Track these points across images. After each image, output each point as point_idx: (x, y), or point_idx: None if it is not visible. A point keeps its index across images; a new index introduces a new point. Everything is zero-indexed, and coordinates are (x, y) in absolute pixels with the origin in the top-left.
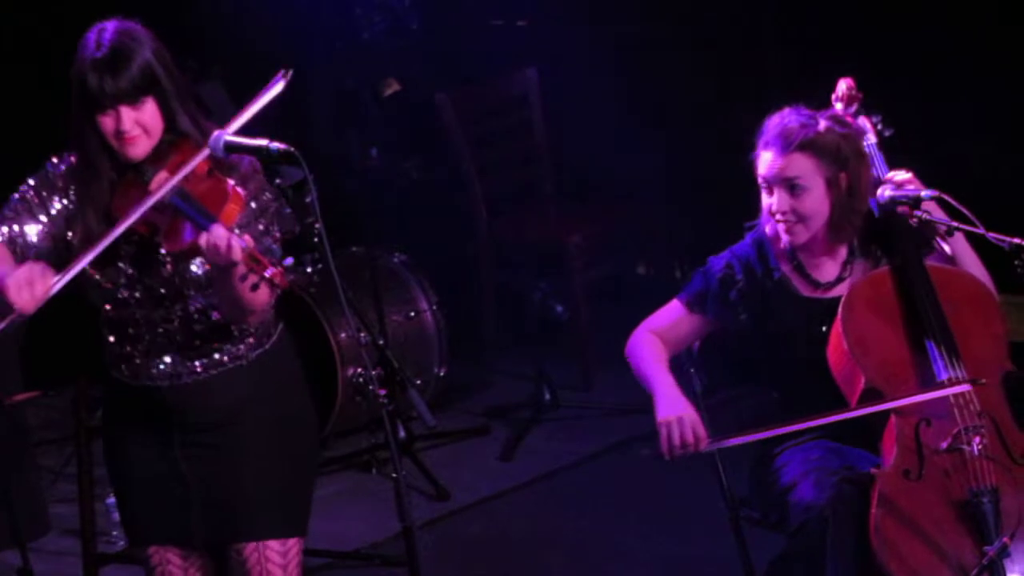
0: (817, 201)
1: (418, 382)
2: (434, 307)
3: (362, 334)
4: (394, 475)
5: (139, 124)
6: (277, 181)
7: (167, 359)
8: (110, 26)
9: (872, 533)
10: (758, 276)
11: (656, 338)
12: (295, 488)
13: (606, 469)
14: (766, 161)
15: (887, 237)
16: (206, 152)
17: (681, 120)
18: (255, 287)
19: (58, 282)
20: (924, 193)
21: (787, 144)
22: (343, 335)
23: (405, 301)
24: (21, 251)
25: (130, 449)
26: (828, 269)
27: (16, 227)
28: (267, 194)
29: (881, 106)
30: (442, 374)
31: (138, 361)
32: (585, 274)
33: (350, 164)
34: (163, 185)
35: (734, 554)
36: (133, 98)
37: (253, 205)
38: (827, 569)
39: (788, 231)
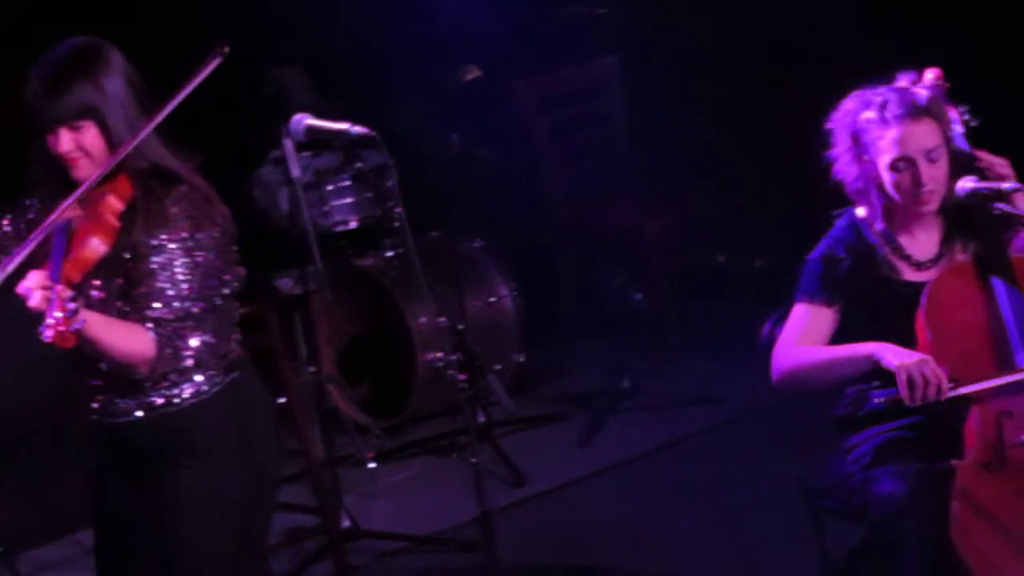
0: (946, 166)
1: (497, 368)
2: (514, 293)
3: (441, 319)
4: (472, 460)
5: (80, 147)
6: (358, 165)
7: (105, 395)
8: (65, 47)
9: (951, 525)
10: (861, 253)
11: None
12: (192, 562)
13: (684, 458)
14: (898, 137)
15: (970, 226)
16: (98, 176)
17: (764, 108)
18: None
19: None
20: (1006, 186)
21: (917, 112)
22: (422, 320)
23: (485, 287)
24: None
25: (94, 483)
26: (926, 247)
27: None
28: (200, 240)
29: (966, 96)
30: (521, 360)
31: (86, 392)
32: (664, 262)
33: (430, 149)
34: (58, 213)
35: (812, 544)
36: (69, 122)
37: (172, 246)
38: (905, 560)
39: (930, 200)
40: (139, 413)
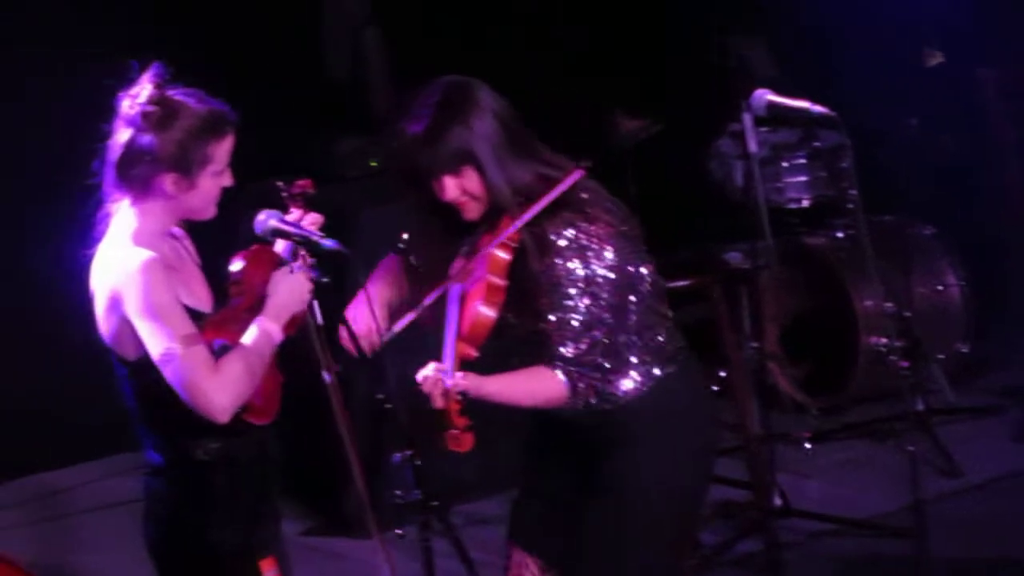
0: None
1: (939, 356)
2: (962, 283)
3: (888, 304)
4: (908, 447)
5: (465, 191)
6: (815, 144)
7: None
8: (432, 92)
9: None
10: None
11: None
12: (615, 548)
13: None
14: None
15: None
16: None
17: None
18: None
19: (385, 336)
20: None
21: None
22: (868, 303)
23: (933, 274)
24: None
25: (529, 451)
26: None
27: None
28: (593, 267)
29: None
30: (964, 350)
31: None
32: None
33: (888, 133)
34: (459, 270)
35: None
36: (450, 170)
37: (566, 280)
38: None
39: None
40: (572, 411)
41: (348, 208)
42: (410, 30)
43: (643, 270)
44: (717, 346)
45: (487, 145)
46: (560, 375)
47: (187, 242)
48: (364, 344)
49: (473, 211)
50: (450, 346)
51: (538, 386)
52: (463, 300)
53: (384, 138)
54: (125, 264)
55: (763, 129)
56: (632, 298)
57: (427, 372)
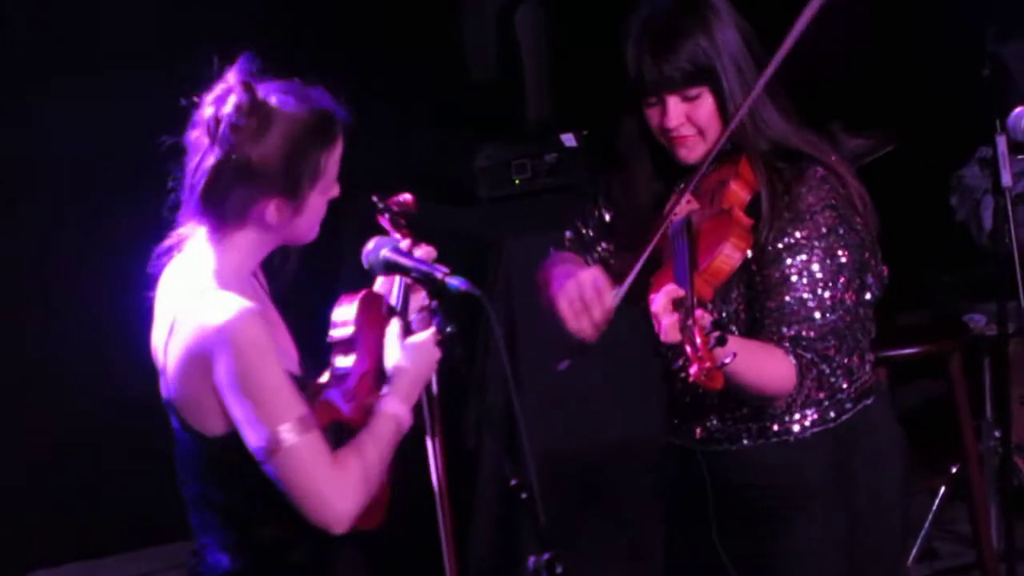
0: None
1: None
2: None
3: None
4: None
5: (691, 121)
6: None
7: (711, 420)
8: None
9: None
10: None
11: None
12: None
13: None
14: None
15: None
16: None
17: None
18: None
19: (616, 296)
20: None
21: None
22: None
23: None
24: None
25: (668, 516)
26: None
27: (580, 223)
28: (843, 234)
29: None
30: None
31: (678, 418)
32: None
33: None
34: (675, 205)
35: None
36: (680, 88)
37: (811, 245)
38: None
39: None
40: (746, 442)
41: (486, 236)
42: (574, 8)
43: (881, 270)
44: (950, 434)
45: (729, 62)
46: (790, 358)
47: (258, 271)
48: (583, 323)
49: (694, 149)
50: (683, 277)
51: (770, 361)
52: (696, 233)
53: (537, 147)
54: (214, 315)
55: (1021, 157)
56: (861, 304)
57: (661, 298)
